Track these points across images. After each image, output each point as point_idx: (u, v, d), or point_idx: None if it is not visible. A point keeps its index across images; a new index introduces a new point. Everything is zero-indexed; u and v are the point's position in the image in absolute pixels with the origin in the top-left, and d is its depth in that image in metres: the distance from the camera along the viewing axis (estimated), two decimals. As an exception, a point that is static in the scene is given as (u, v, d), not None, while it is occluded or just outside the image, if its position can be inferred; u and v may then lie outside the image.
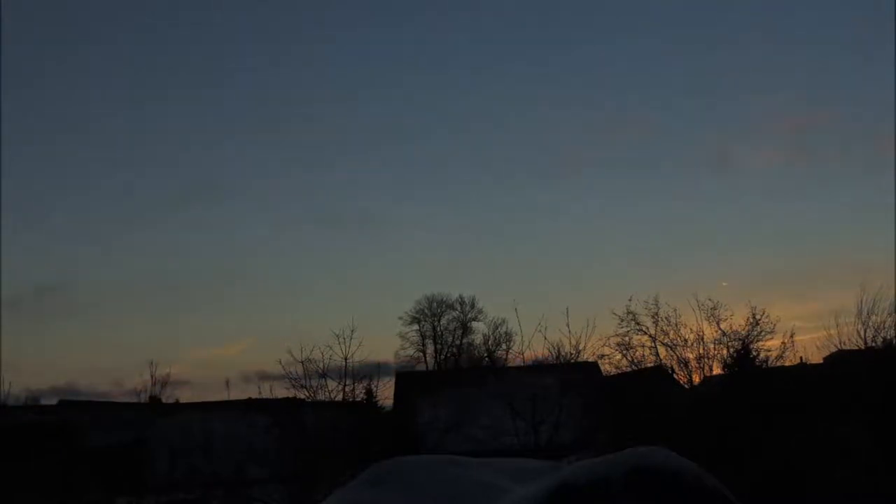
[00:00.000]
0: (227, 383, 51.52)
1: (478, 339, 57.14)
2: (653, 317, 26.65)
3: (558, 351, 28.75)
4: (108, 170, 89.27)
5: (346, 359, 25.78)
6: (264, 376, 55.51)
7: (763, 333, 25.94)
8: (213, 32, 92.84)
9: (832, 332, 27.24)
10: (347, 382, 25.99)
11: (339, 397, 26.10)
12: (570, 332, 27.77)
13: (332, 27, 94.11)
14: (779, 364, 26.48)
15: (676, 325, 26.57)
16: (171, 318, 76.56)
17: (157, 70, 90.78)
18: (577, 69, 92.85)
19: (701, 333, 26.40)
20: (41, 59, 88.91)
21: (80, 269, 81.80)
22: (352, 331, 25.77)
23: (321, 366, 25.63)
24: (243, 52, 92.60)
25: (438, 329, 58.57)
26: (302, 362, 25.39)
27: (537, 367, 29.89)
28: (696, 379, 26.75)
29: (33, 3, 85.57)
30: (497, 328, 53.96)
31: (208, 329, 76.18)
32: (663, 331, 26.62)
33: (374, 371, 27.10)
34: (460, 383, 33.19)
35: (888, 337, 26.54)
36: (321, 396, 25.90)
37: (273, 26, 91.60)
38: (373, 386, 26.95)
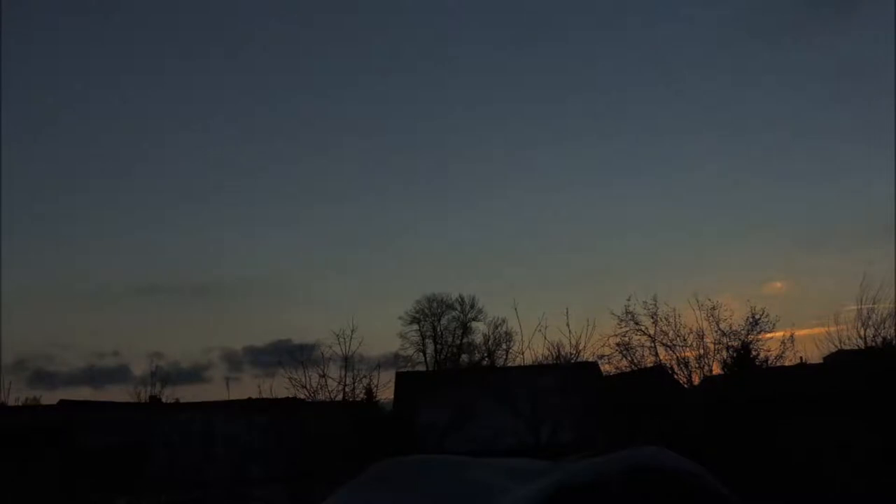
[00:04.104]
0: (227, 383, 51.52)
1: (478, 339, 57.00)
2: (652, 317, 26.66)
3: (558, 351, 28.71)
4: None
5: (346, 358, 25.80)
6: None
7: (762, 332, 25.99)
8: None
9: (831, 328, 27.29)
10: (347, 382, 25.99)
11: (339, 397, 26.08)
12: (570, 332, 27.76)
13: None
14: (779, 364, 26.47)
15: (676, 325, 26.57)
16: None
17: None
18: (578, 69, 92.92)
19: (701, 333, 26.41)
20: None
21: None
22: (352, 331, 25.81)
23: (321, 366, 25.66)
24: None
25: (438, 329, 58.47)
26: (302, 362, 25.41)
27: (537, 367, 29.77)
28: (696, 379, 26.71)
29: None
30: (497, 328, 53.77)
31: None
32: (663, 331, 26.61)
33: (373, 371, 27.13)
34: (460, 383, 33.06)
35: (888, 337, 26.52)
36: (321, 396, 25.87)
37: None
38: (373, 386, 26.94)
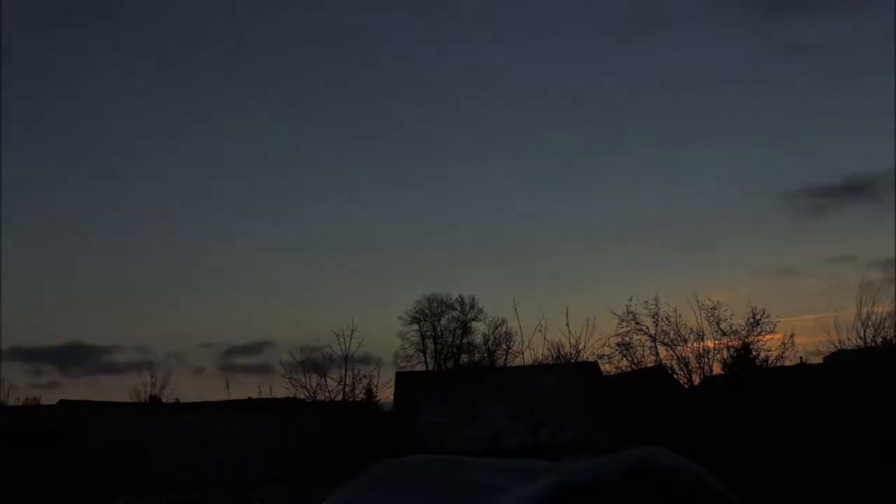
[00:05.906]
0: (227, 383, 51.51)
1: (478, 339, 56.97)
2: (653, 317, 26.67)
3: (558, 351, 28.74)
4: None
5: (346, 358, 25.85)
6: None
7: (762, 332, 25.99)
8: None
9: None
10: (347, 382, 26.03)
11: (339, 397, 26.11)
12: (570, 332, 27.81)
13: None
14: (779, 364, 26.47)
15: (676, 325, 26.58)
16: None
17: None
18: (576, 76, 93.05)
19: (701, 333, 26.42)
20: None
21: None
22: (352, 330, 25.86)
23: (321, 366, 25.73)
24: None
25: (438, 329, 58.48)
26: (302, 362, 25.49)
27: (537, 367, 29.79)
28: (696, 379, 26.72)
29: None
30: (497, 328, 53.74)
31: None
32: (663, 331, 26.62)
33: (373, 371, 27.17)
34: (460, 383, 33.09)
35: (888, 337, 26.52)
36: (321, 396, 25.91)
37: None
38: (372, 386, 26.98)
